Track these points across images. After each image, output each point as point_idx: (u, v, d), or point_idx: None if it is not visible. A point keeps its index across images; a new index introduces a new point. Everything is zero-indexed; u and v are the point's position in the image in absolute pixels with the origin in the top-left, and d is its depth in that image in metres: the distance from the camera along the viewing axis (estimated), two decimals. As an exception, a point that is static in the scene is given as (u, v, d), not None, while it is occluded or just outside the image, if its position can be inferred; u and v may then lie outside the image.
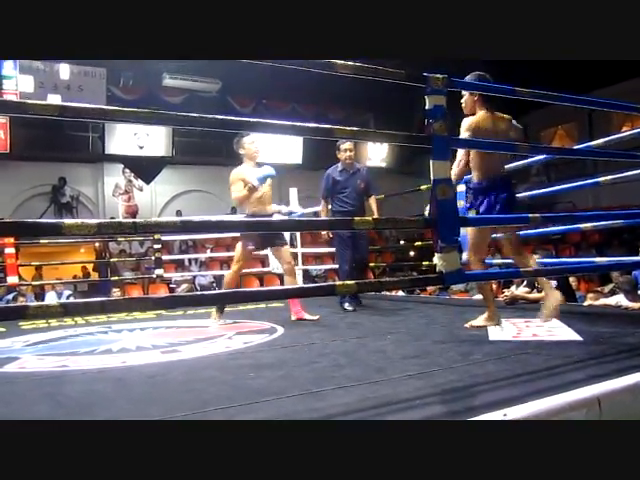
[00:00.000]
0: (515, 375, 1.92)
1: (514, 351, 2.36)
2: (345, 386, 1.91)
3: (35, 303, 1.33)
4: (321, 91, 10.89)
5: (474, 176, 2.98)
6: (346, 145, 4.48)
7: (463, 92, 2.87)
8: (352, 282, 1.75)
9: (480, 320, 3.10)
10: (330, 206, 4.67)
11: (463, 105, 2.93)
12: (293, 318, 3.89)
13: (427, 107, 1.94)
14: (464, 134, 2.76)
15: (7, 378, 2.45)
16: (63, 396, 2.02)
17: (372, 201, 4.72)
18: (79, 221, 1.37)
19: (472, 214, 2.83)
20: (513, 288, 4.49)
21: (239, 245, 3.92)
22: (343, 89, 10.27)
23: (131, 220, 1.31)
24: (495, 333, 2.84)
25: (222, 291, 2.00)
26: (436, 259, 1.95)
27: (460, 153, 2.80)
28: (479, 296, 4.13)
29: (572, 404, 1.54)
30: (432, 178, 1.91)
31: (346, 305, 4.46)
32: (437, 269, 1.94)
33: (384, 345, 2.73)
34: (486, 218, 2.21)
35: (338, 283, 1.65)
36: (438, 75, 1.95)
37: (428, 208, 2.19)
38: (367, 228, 1.94)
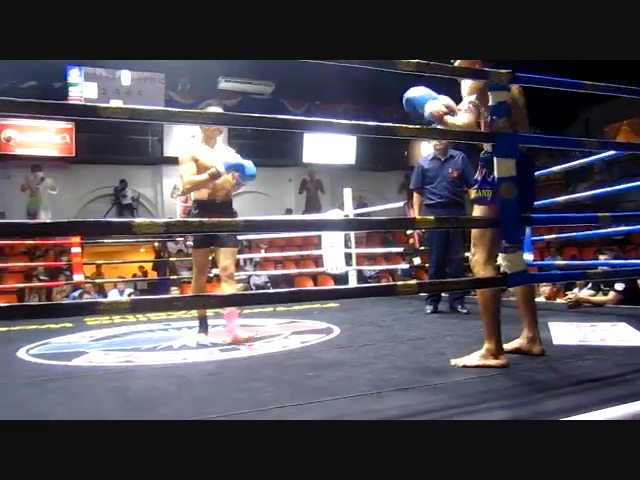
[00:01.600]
0: (581, 382, 1.85)
1: (580, 356, 2.27)
2: (404, 388, 1.88)
3: (106, 299, 1.40)
4: (372, 91, 10.84)
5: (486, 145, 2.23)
6: None
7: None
8: (413, 282, 1.73)
9: (474, 358, 2.21)
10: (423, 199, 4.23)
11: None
12: (228, 340, 3.14)
13: (490, 104, 1.89)
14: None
15: (76, 372, 2.55)
16: (129, 391, 2.09)
17: (471, 193, 4.17)
18: (148, 220, 1.41)
19: (485, 194, 2.11)
20: (576, 290, 4.33)
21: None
22: (394, 89, 10.19)
23: (197, 219, 1.34)
24: (560, 337, 2.74)
25: (285, 290, 2.01)
26: (500, 260, 1.89)
27: None
28: (540, 299, 3.98)
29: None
30: (496, 176, 1.86)
31: (459, 308, 4.12)
32: (501, 270, 1.88)
33: (442, 347, 2.68)
34: (552, 217, 2.13)
35: (399, 283, 1.63)
36: (502, 70, 1.90)
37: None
38: (429, 227, 1.90)
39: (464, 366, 2.17)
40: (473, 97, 2.03)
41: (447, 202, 4.09)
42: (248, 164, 3.12)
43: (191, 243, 3.29)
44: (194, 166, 3.13)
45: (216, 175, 3.05)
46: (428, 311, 4.19)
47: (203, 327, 3.35)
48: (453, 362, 2.23)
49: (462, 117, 2.05)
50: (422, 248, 5.06)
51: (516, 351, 2.34)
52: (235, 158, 3.09)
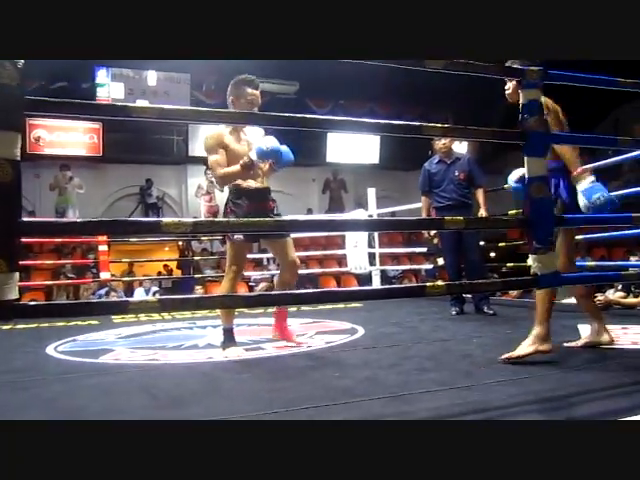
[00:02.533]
0: (616, 385, 1.80)
1: (613, 359, 2.22)
2: (433, 390, 1.86)
3: (135, 299, 1.41)
4: (397, 91, 10.79)
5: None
6: None
7: (508, 80, 2.43)
8: (442, 283, 1.70)
9: (524, 347, 2.29)
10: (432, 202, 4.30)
11: (508, 93, 2.47)
12: (274, 337, 3.13)
13: (522, 102, 1.86)
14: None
15: (104, 369, 2.58)
16: (157, 389, 2.10)
17: (479, 194, 4.23)
18: (176, 220, 1.41)
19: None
20: (611, 292, 4.23)
21: (228, 244, 2.91)
22: (419, 88, 10.12)
23: (225, 219, 1.34)
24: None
25: (313, 290, 2.01)
26: (531, 261, 1.86)
27: None
28: (570, 299, 3.92)
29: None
30: (527, 176, 1.83)
31: (452, 312, 4.17)
32: (532, 271, 1.85)
33: (470, 349, 2.65)
34: (584, 218, 2.08)
35: (428, 284, 1.60)
36: (533, 67, 1.86)
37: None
38: (458, 228, 1.88)
39: (517, 357, 2.24)
40: None
41: (455, 204, 4.12)
42: (284, 149, 2.73)
43: (240, 237, 2.77)
44: (224, 155, 2.77)
45: (249, 165, 2.70)
46: (453, 313, 4.16)
47: (231, 339, 2.84)
48: (504, 357, 2.28)
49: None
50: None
51: (587, 345, 2.52)
52: (270, 142, 2.66)
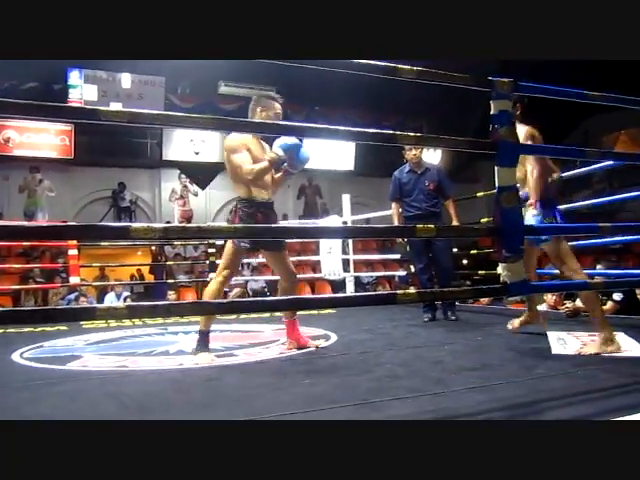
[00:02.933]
0: (583, 392, 1.83)
1: (581, 367, 2.26)
2: (403, 397, 1.87)
3: (103, 305, 1.38)
4: (372, 98, 10.87)
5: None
6: None
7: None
8: (413, 291, 1.71)
9: (595, 346, 2.54)
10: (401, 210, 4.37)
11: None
12: (291, 346, 3.05)
13: (492, 112, 1.89)
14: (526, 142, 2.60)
15: (72, 376, 2.53)
16: (125, 396, 2.06)
17: (448, 204, 4.36)
18: (146, 225, 1.39)
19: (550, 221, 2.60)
20: (578, 301, 4.30)
21: (228, 246, 2.92)
22: (395, 96, 10.21)
23: (195, 225, 1.33)
24: (558, 347, 2.73)
25: (285, 298, 2.00)
26: (500, 269, 1.88)
27: None
28: (542, 307, 3.99)
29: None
30: (497, 185, 1.85)
31: (424, 318, 4.18)
32: (501, 279, 1.87)
33: (441, 356, 2.67)
34: (555, 227, 2.12)
35: (399, 292, 1.61)
36: (504, 79, 1.89)
37: None
38: (429, 236, 1.89)
39: (590, 354, 2.49)
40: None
41: (424, 214, 4.17)
42: (304, 149, 2.84)
43: (247, 244, 2.86)
44: (249, 154, 2.83)
45: (276, 160, 2.78)
46: (426, 319, 4.18)
47: (204, 345, 2.79)
48: (583, 352, 2.55)
49: None
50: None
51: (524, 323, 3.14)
52: (289, 139, 2.75)
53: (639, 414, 1.51)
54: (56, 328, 4.32)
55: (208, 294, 2.88)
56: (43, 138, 10.25)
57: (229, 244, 2.92)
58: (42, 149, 10.27)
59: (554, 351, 2.64)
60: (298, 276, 3.16)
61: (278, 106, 2.93)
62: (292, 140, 2.76)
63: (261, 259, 9.78)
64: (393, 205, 4.43)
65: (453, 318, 4.16)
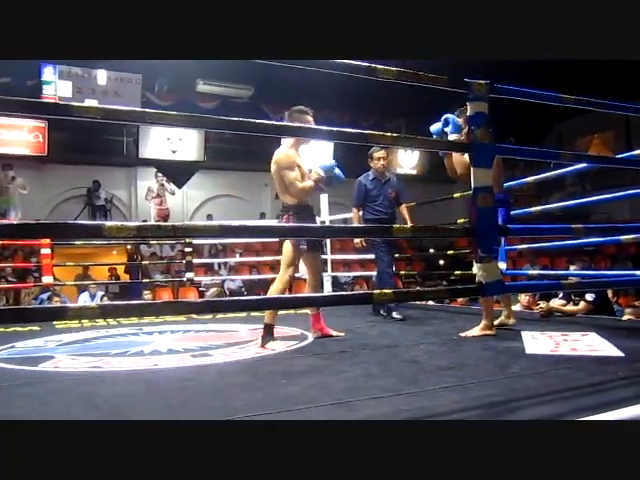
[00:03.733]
0: (556, 391, 1.86)
1: (553, 366, 2.29)
2: (378, 397, 1.87)
3: (74, 304, 1.35)
4: (351, 98, 10.88)
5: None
6: (380, 153, 4.47)
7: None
8: (389, 291, 1.72)
9: (476, 330, 3.20)
10: (361, 213, 4.65)
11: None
12: (315, 335, 3.41)
13: (469, 114, 1.90)
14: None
15: (43, 377, 2.48)
16: (98, 397, 2.03)
17: (403, 209, 4.72)
18: (119, 223, 1.37)
19: None
20: (553, 301, 4.37)
21: (288, 247, 3.26)
22: (373, 96, 10.25)
23: (170, 224, 1.31)
24: (532, 346, 2.76)
25: (260, 297, 1.99)
26: (475, 269, 1.90)
27: None
28: (516, 307, 4.06)
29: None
30: (473, 186, 1.87)
31: (394, 314, 4.28)
32: (477, 279, 1.89)
33: (417, 355, 2.68)
34: (527, 228, 2.15)
35: (376, 292, 1.61)
36: (480, 81, 1.91)
37: None
38: (405, 236, 1.90)
39: (472, 336, 3.13)
40: None
41: (388, 218, 4.50)
42: (338, 172, 3.34)
43: (304, 246, 3.26)
44: (299, 171, 3.23)
45: (320, 181, 3.23)
46: (399, 317, 4.24)
47: (271, 335, 3.11)
48: (462, 334, 3.20)
49: None
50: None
51: (499, 325, 3.40)
52: (328, 161, 3.33)
53: (610, 412, 1.53)
54: (28, 328, 4.23)
55: (276, 291, 3.19)
56: (16, 135, 10.05)
57: (288, 245, 3.25)
58: (15, 146, 10.06)
59: (528, 350, 2.67)
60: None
61: (310, 118, 3.21)
62: (331, 162, 3.33)
63: (239, 259, 9.82)
64: (355, 210, 4.71)
65: (399, 317, 4.22)
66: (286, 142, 3.35)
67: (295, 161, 3.23)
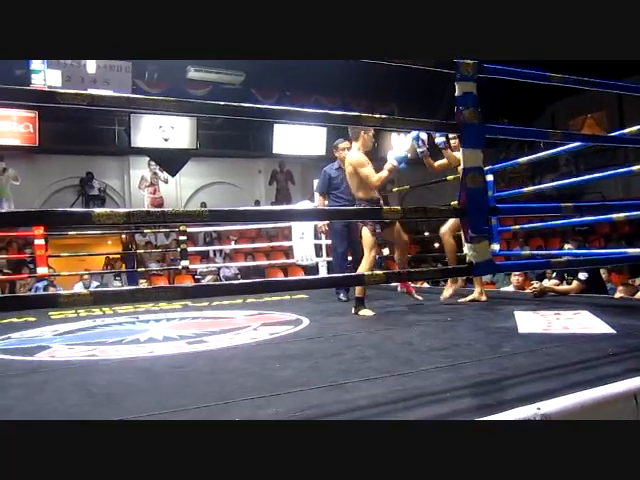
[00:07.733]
0: (547, 368, 1.88)
1: (545, 344, 2.31)
2: (372, 378, 1.89)
3: (66, 292, 1.36)
4: (344, 83, 10.82)
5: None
6: (344, 144, 4.55)
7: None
8: (381, 272, 1.73)
9: (470, 297, 3.92)
10: (327, 202, 4.77)
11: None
12: (402, 291, 4.21)
13: (457, 94, 1.90)
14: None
15: (39, 367, 2.49)
16: (93, 386, 2.04)
17: None
18: (108, 210, 1.37)
19: None
20: (545, 281, 4.40)
21: (366, 232, 3.75)
22: (365, 80, 10.21)
23: (160, 209, 1.30)
24: (525, 326, 2.79)
25: (252, 280, 2.00)
26: (466, 249, 1.91)
27: None
28: (508, 288, 4.10)
29: (608, 398, 1.49)
30: (462, 166, 1.87)
31: (341, 296, 4.60)
32: (467, 260, 1.90)
33: (411, 337, 2.70)
34: (516, 208, 2.16)
35: (367, 273, 1.62)
36: (468, 61, 1.91)
37: None
38: (396, 218, 1.90)
39: (468, 301, 3.87)
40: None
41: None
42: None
43: (379, 229, 3.79)
44: (371, 167, 3.68)
45: (394, 169, 3.64)
46: (344, 299, 4.51)
47: (362, 304, 3.68)
48: (460, 300, 3.91)
49: None
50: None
51: (472, 300, 3.90)
52: (400, 152, 3.64)
53: (601, 387, 1.55)
54: (24, 319, 4.24)
55: (366, 269, 3.57)
56: (5, 125, 9.95)
57: (367, 232, 3.74)
58: (5, 137, 9.95)
59: (520, 330, 2.69)
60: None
61: (372, 131, 3.78)
62: (402, 152, 3.63)
63: (234, 246, 9.83)
64: (319, 197, 4.85)
65: (344, 299, 4.52)
66: (355, 146, 3.80)
67: (366, 159, 3.71)
